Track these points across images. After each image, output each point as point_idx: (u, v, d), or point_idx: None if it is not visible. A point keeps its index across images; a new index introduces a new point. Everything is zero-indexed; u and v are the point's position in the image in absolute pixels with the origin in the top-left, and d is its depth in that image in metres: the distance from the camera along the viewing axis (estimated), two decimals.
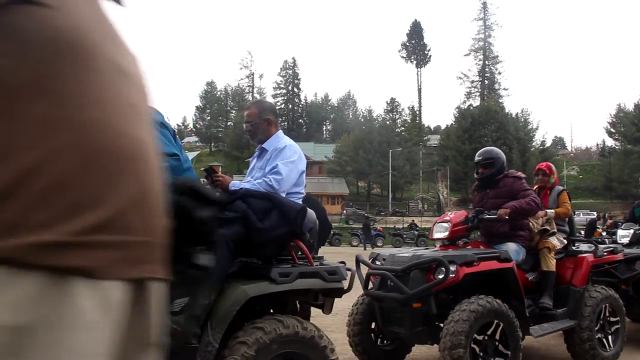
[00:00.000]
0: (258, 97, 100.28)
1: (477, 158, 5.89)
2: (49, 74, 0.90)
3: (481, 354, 4.79)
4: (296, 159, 3.96)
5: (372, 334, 5.66)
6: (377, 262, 5.49)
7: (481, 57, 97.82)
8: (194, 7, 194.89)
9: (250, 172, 4.21)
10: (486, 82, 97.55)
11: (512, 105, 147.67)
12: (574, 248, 6.14)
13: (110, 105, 0.98)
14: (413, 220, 46.90)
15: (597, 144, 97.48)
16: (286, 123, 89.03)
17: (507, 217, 5.32)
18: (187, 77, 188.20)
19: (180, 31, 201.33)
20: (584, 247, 6.26)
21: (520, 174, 5.88)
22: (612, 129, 73.74)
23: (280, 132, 4.18)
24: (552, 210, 6.21)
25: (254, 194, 3.70)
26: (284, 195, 3.84)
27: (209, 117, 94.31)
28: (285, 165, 3.87)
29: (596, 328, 5.72)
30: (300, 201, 3.98)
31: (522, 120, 72.14)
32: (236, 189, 3.85)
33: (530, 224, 5.77)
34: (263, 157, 4.08)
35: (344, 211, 58.14)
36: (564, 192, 6.56)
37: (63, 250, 0.89)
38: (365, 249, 31.20)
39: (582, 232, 12.38)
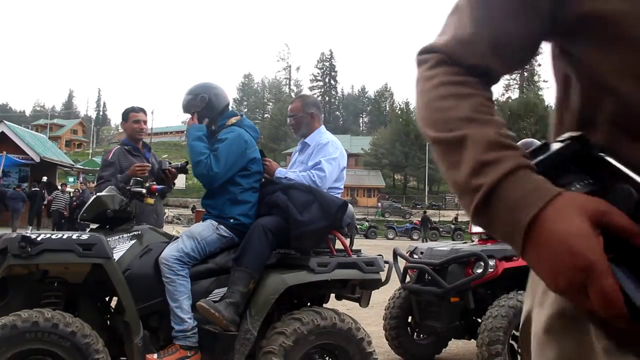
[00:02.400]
0: (295, 89, 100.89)
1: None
2: None
3: (519, 350, 4.73)
4: (338, 156, 3.98)
5: (409, 328, 5.64)
6: (415, 256, 5.47)
7: None
8: None
9: (291, 166, 4.25)
10: (525, 74, 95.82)
11: (552, 97, 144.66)
12: None
13: None
14: (457, 215, 45.17)
15: None
16: (322, 115, 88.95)
17: None
18: (224, 69, 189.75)
19: (218, 24, 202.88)
20: None
21: None
22: None
23: (323, 127, 4.21)
24: None
25: (296, 186, 3.73)
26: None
27: (246, 110, 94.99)
28: (328, 162, 3.89)
29: None
30: (340, 195, 3.99)
31: None
32: (281, 177, 3.89)
33: None
34: (305, 152, 4.10)
35: (380, 204, 57.93)
36: None
37: None
38: (423, 242, 30.84)
39: None
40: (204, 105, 3.89)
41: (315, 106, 4.24)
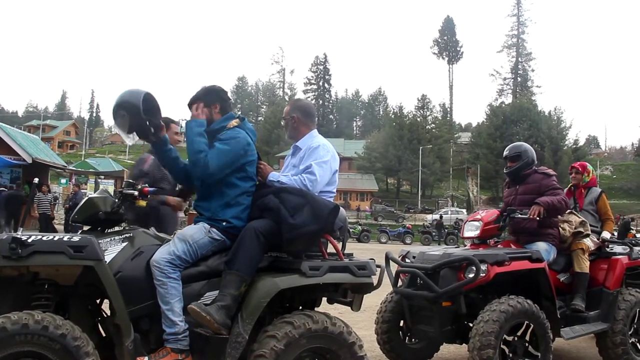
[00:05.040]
0: (289, 92, 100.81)
1: (505, 153, 5.86)
2: None
3: (511, 355, 4.74)
4: (329, 159, 3.97)
5: (401, 332, 5.64)
6: (407, 260, 5.47)
7: (514, 53, 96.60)
8: (226, 1, 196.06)
9: (284, 169, 4.24)
10: (519, 79, 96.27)
11: (544, 103, 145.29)
12: (607, 250, 6.02)
13: None
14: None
15: (633, 144, 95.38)
16: (312, 119, 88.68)
17: (538, 217, 5.24)
18: (218, 72, 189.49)
19: (212, 26, 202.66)
20: (618, 248, 6.11)
21: (550, 171, 5.78)
22: None
23: (315, 131, 4.20)
24: (608, 234, 6.11)
25: (288, 189, 3.72)
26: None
27: (239, 112, 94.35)
28: (319, 165, 3.88)
29: (630, 332, 5.61)
30: (332, 199, 3.99)
31: (555, 118, 71.01)
32: (274, 181, 3.89)
33: (561, 227, 5.68)
34: (297, 155, 4.10)
35: (371, 208, 57.92)
36: (604, 198, 6.42)
37: None
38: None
39: (615, 234, 12.06)
40: (219, 99, 3.94)
41: (301, 111, 4.21)
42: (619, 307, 5.57)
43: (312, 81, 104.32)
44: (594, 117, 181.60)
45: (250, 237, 3.53)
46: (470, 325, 4.81)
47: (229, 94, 4.12)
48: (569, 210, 5.86)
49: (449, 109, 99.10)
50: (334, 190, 4.10)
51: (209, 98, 3.94)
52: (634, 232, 12.67)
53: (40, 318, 3.08)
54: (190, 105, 3.98)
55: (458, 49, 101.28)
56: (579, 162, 6.77)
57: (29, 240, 3.22)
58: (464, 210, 53.33)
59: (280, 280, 3.52)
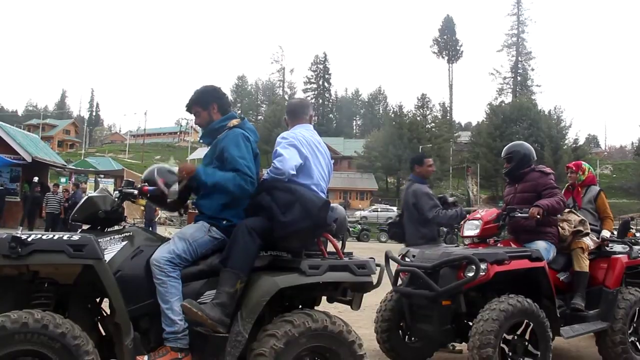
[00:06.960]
0: (288, 91, 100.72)
1: (502, 154, 5.88)
2: None
3: (510, 353, 4.74)
4: (293, 143, 3.85)
5: (400, 331, 5.64)
6: (407, 259, 5.47)
7: (514, 53, 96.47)
8: (225, 1, 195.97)
9: None
10: (519, 78, 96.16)
11: (544, 102, 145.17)
12: (607, 249, 6.02)
13: None
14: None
15: (632, 143, 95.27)
16: (316, 118, 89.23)
17: (539, 216, 5.23)
18: (218, 71, 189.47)
19: (212, 25, 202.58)
20: (617, 247, 6.10)
21: (547, 169, 5.78)
22: None
23: (303, 125, 4.14)
24: (607, 232, 6.13)
25: (278, 187, 3.70)
26: (292, 172, 3.74)
27: (239, 111, 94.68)
28: (283, 147, 3.82)
29: (629, 331, 5.60)
30: (324, 194, 3.95)
31: (555, 117, 70.93)
32: (265, 178, 3.88)
33: (560, 226, 5.67)
34: None
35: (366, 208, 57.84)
36: (603, 196, 6.42)
37: None
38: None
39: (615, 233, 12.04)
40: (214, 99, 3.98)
41: (287, 112, 4.27)
42: (619, 306, 5.57)
43: (312, 80, 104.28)
44: (594, 116, 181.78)
45: (242, 233, 3.52)
46: (470, 324, 4.81)
47: (225, 92, 4.10)
48: (568, 209, 5.86)
49: (448, 108, 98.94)
50: (324, 184, 4.00)
51: (204, 101, 3.97)
52: (633, 231, 12.71)
53: (39, 317, 3.08)
54: (188, 110, 4.01)
55: (458, 48, 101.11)
56: (573, 162, 6.78)
57: (29, 239, 3.22)
58: (395, 208, 53.34)
59: (280, 279, 3.52)
